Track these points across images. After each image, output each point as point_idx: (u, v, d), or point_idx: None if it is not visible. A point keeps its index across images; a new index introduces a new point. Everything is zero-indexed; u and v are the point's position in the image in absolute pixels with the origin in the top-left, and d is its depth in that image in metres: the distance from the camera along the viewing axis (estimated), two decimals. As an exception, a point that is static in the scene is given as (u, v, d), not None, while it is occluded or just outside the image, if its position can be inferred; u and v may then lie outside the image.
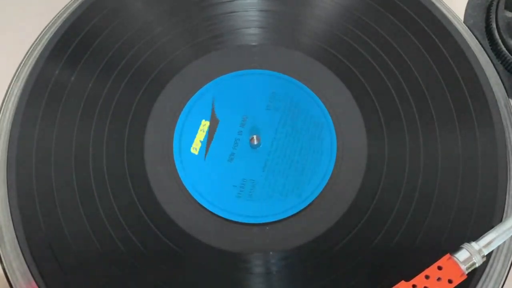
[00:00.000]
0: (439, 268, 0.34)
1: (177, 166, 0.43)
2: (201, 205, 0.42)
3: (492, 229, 0.36)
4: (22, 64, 0.46)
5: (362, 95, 0.45)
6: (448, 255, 0.35)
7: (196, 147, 0.44)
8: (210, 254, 0.40)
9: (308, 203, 0.42)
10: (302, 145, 0.44)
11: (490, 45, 0.48)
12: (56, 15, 0.48)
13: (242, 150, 0.44)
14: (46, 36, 0.47)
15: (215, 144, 0.44)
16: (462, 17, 0.49)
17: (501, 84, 0.46)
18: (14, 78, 0.46)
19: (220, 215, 0.42)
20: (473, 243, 0.35)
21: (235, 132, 0.44)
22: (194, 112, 0.45)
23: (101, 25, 0.46)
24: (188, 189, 0.42)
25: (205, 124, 0.44)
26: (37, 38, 0.47)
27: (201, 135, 0.44)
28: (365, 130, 0.44)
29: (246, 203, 0.42)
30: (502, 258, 0.40)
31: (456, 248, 0.35)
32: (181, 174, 0.43)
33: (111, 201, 0.41)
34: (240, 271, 0.40)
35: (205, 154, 0.44)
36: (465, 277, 0.34)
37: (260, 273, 0.40)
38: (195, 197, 0.42)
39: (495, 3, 0.47)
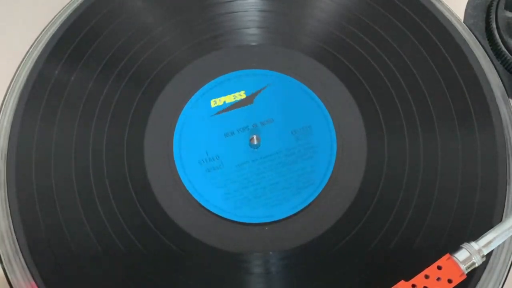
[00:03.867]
0: (439, 267, 0.34)
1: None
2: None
3: (492, 229, 0.36)
4: (22, 64, 0.46)
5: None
6: (447, 255, 0.35)
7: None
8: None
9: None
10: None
11: (490, 45, 0.48)
12: (56, 14, 0.48)
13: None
14: (46, 36, 0.47)
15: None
16: (462, 17, 0.49)
17: (501, 84, 0.46)
18: (14, 78, 0.46)
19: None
20: (473, 243, 0.35)
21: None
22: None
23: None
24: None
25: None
26: (37, 38, 0.47)
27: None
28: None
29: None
30: (502, 258, 0.40)
31: (455, 248, 0.35)
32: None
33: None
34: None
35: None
36: (464, 277, 0.34)
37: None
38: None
39: (495, 3, 0.47)
